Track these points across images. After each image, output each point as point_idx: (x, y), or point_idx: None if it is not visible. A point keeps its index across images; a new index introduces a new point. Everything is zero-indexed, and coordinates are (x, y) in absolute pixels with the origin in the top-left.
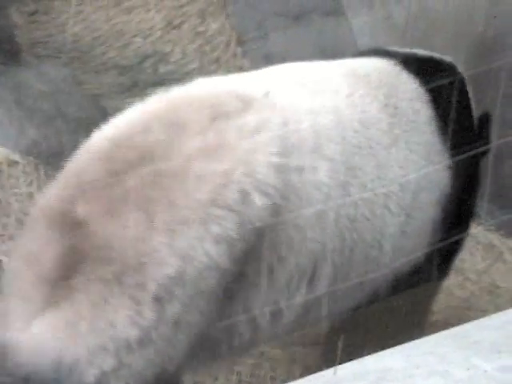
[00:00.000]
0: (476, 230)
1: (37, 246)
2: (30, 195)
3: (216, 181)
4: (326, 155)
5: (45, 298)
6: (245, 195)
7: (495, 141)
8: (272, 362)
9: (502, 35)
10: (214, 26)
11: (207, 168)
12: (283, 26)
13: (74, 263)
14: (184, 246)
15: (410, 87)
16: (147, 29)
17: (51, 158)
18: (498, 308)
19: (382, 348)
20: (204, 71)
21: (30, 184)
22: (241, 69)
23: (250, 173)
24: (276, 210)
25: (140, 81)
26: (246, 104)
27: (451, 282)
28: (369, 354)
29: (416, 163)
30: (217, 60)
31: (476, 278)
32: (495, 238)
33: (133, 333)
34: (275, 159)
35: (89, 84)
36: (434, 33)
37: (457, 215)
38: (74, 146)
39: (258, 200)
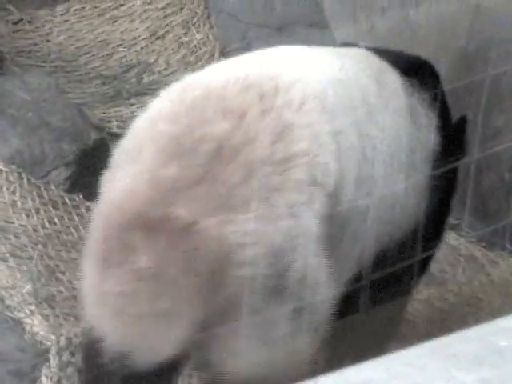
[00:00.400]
0: (457, 242)
1: (148, 260)
2: (14, 203)
3: (303, 160)
4: (350, 120)
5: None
6: (326, 167)
7: (476, 153)
8: None
9: (484, 48)
10: (197, 36)
11: (289, 149)
12: (266, 37)
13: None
14: (304, 224)
15: (388, 67)
16: (131, 39)
17: (34, 166)
18: (479, 320)
19: (362, 359)
20: None
21: (14, 192)
22: None
23: (322, 144)
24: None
25: (124, 90)
26: (276, 82)
27: (432, 293)
28: (349, 365)
29: (405, 126)
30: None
31: (457, 289)
32: (476, 251)
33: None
34: (329, 127)
35: (72, 93)
36: (417, 45)
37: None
38: (57, 154)
39: (333, 168)
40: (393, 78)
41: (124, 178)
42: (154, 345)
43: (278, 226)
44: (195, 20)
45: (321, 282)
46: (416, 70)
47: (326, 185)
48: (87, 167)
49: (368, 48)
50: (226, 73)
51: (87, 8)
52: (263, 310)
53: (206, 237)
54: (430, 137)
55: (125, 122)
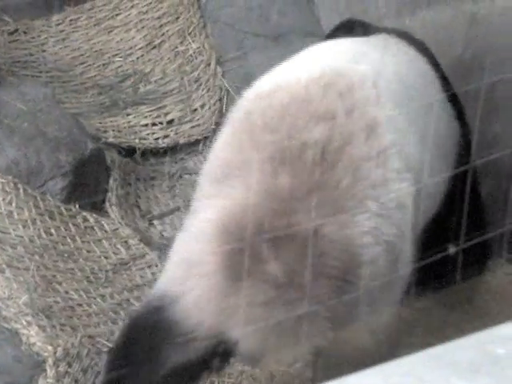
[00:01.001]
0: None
1: (280, 269)
2: (10, 214)
3: (394, 150)
4: (415, 110)
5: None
6: (412, 156)
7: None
8: (251, 381)
9: (480, 57)
10: (194, 45)
11: (382, 142)
12: (262, 46)
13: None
14: (408, 212)
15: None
16: (127, 48)
17: (31, 176)
18: (476, 328)
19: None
20: (184, 91)
21: (10, 203)
22: (220, 88)
23: (403, 134)
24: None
25: (120, 100)
26: (349, 79)
27: (429, 301)
28: (348, 373)
29: (443, 115)
30: (197, 79)
31: (454, 297)
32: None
33: None
34: (403, 118)
35: (68, 103)
36: None
37: None
38: (54, 164)
39: (415, 156)
40: (427, 67)
41: (238, 192)
42: (293, 350)
43: (389, 221)
44: (191, 29)
45: (409, 262)
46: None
47: (414, 171)
48: (84, 177)
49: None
50: (299, 74)
51: (83, 18)
52: (377, 297)
53: (330, 241)
54: (456, 127)
55: (121, 132)
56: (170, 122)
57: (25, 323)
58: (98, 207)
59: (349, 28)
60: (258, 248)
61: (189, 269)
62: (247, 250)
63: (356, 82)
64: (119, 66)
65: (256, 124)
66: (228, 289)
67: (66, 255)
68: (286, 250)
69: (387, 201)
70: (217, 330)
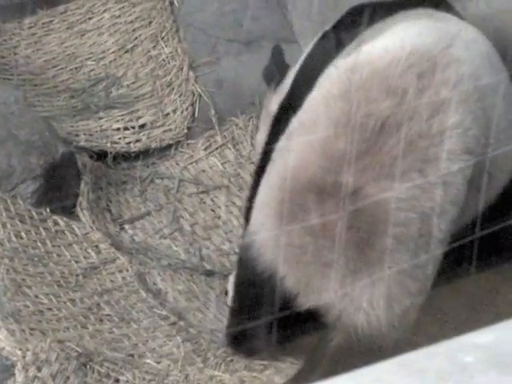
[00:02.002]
0: None
1: (318, 219)
2: None
3: (456, 131)
4: (493, 97)
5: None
6: (477, 139)
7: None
8: None
9: None
10: (166, 50)
11: (445, 122)
12: (235, 51)
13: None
14: (453, 191)
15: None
16: (100, 52)
17: (1, 180)
18: (445, 336)
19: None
20: (156, 95)
21: None
22: (193, 93)
23: (475, 118)
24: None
25: (92, 104)
26: (434, 62)
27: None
28: (318, 380)
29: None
30: (169, 84)
31: (424, 304)
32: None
33: None
34: (480, 104)
35: (40, 106)
36: None
37: None
38: (25, 168)
39: (482, 140)
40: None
41: (300, 147)
42: (318, 289)
43: (429, 194)
44: (164, 34)
45: (444, 240)
46: None
47: (475, 154)
48: (55, 181)
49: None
50: (388, 53)
51: (55, 21)
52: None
53: (369, 201)
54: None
55: (93, 136)
56: (142, 126)
57: None
58: (69, 211)
59: (361, 12)
60: (303, 200)
61: (264, 215)
62: (295, 201)
63: (440, 65)
64: (91, 70)
65: (332, 92)
66: (277, 232)
67: (36, 259)
68: (328, 203)
69: (433, 176)
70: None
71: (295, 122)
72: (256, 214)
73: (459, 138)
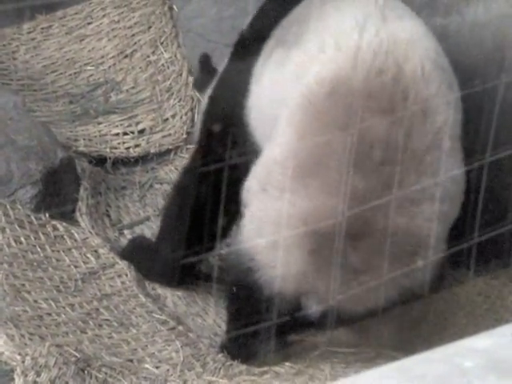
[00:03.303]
0: None
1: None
2: None
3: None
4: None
5: None
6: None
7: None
8: None
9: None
10: (165, 55)
11: (433, 124)
12: None
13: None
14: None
15: None
16: (99, 57)
17: (0, 185)
18: (444, 340)
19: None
20: (156, 100)
21: None
22: (192, 98)
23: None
24: None
25: (91, 109)
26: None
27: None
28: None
29: None
30: (168, 89)
31: (422, 309)
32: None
33: None
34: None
35: (39, 112)
36: None
37: None
38: (24, 173)
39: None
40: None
41: (316, 192)
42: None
43: (451, 201)
44: (163, 39)
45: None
46: None
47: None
48: (54, 186)
49: None
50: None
51: (54, 26)
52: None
53: (402, 232)
54: None
55: (92, 141)
56: (142, 131)
57: None
58: (68, 216)
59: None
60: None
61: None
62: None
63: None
64: (91, 75)
65: (323, 120)
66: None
67: (35, 264)
68: (364, 242)
69: (447, 183)
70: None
71: (287, 155)
72: (250, 221)
73: (448, 135)
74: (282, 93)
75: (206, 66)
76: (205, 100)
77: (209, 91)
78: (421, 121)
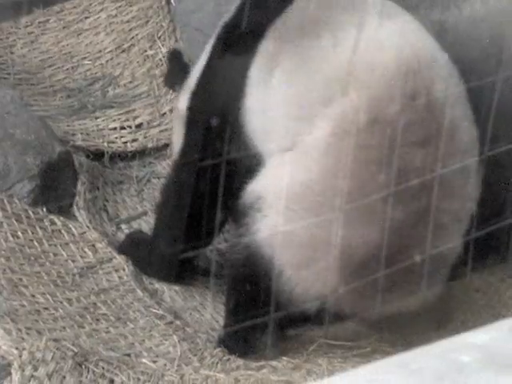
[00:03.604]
0: None
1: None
2: None
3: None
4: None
5: None
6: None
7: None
8: None
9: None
10: (163, 50)
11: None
12: None
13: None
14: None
15: None
16: (96, 52)
17: None
18: (441, 336)
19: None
20: (153, 95)
21: None
22: None
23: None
24: None
25: (89, 103)
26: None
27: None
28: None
29: None
30: None
31: (420, 305)
32: None
33: None
34: None
35: (37, 106)
36: None
37: None
38: (21, 167)
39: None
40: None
41: (354, 226)
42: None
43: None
44: (161, 33)
45: None
46: None
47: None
48: (51, 180)
49: None
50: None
51: (52, 20)
52: None
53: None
54: None
55: (89, 135)
56: (139, 125)
57: None
58: (66, 211)
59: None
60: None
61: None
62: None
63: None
64: (88, 69)
65: (362, 151)
66: None
67: (32, 258)
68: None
69: (472, 201)
70: None
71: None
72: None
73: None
74: (307, 111)
75: (176, 61)
76: (183, 95)
77: (189, 86)
78: (450, 144)
